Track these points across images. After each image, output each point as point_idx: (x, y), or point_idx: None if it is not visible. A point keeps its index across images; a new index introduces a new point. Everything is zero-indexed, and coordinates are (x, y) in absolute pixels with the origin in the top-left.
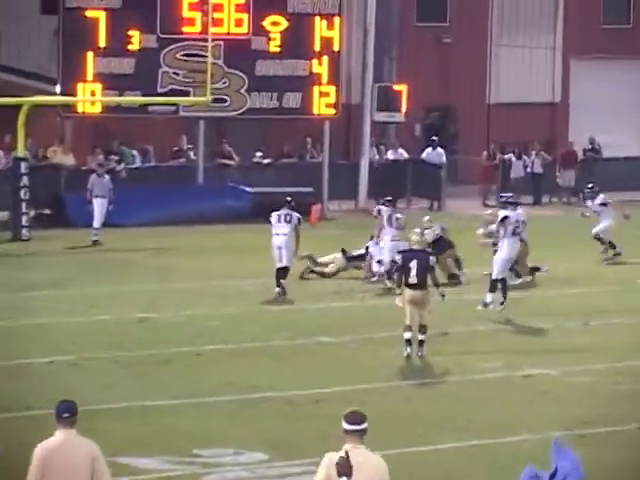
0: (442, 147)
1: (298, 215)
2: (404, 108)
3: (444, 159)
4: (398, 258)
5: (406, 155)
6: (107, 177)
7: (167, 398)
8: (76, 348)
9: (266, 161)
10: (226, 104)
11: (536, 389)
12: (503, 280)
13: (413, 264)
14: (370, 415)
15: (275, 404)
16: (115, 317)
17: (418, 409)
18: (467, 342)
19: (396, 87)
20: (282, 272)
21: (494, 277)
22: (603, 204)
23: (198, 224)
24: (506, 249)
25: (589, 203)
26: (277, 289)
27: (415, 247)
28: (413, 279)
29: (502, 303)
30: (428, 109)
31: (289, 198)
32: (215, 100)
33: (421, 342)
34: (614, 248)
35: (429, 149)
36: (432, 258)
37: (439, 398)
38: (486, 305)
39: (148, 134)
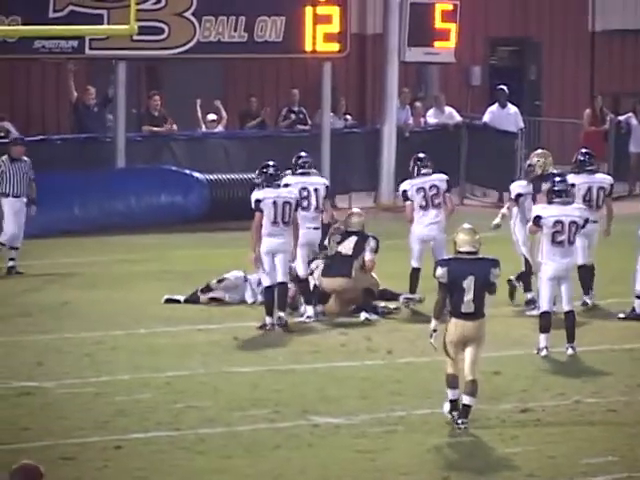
0: (516, 105)
1: None
2: (454, 41)
3: (521, 123)
4: (441, 273)
5: (458, 118)
6: (26, 161)
7: None
8: None
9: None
10: (162, 36)
11: None
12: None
13: (468, 283)
14: None
15: None
16: None
17: None
18: (558, 423)
19: (440, 6)
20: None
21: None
22: None
23: (115, 233)
24: None
25: None
26: (268, 319)
27: (466, 250)
28: (469, 306)
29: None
30: (493, 42)
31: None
32: (143, 30)
33: (466, 409)
34: None
35: (494, 107)
36: (496, 271)
37: None
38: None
39: (33, 86)
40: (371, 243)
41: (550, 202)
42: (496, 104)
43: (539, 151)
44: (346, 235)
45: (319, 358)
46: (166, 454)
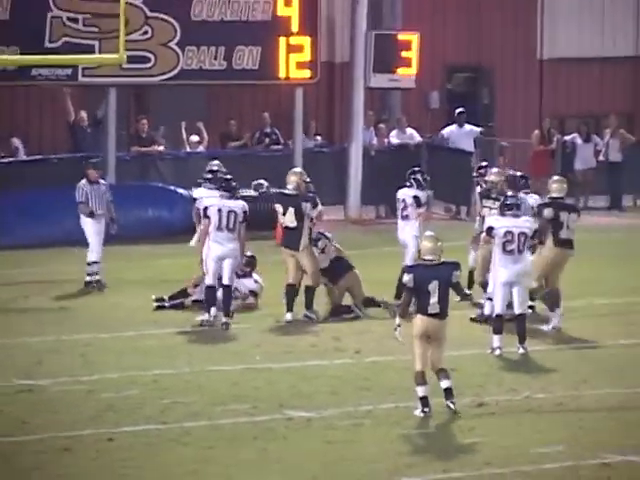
0: (473, 124)
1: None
2: (415, 68)
3: (477, 132)
4: (408, 279)
5: (419, 138)
6: (104, 183)
7: None
8: None
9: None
10: (148, 65)
11: None
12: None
13: (433, 286)
14: None
15: None
16: None
17: None
18: (514, 417)
19: (402, 36)
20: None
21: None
22: None
23: (106, 244)
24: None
25: None
26: (206, 315)
27: (430, 257)
28: (434, 307)
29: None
30: (450, 69)
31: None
32: (132, 59)
33: (448, 391)
34: None
35: (452, 127)
36: (457, 273)
37: None
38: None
39: (31, 111)
40: (308, 207)
41: (502, 215)
42: (454, 125)
43: (495, 170)
44: (282, 200)
45: (292, 358)
46: (154, 446)
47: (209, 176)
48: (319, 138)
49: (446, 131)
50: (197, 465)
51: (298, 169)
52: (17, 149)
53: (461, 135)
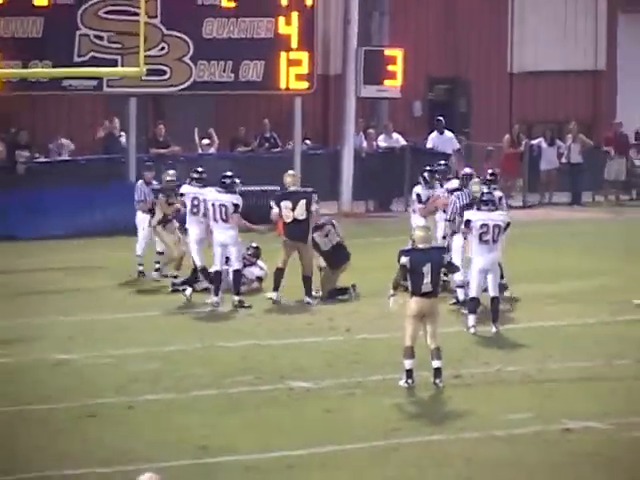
0: (451, 130)
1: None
2: (400, 80)
3: (456, 145)
4: (405, 261)
5: (403, 142)
6: (155, 184)
7: (91, 464)
8: None
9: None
10: (165, 77)
11: (579, 448)
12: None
13: (427, 268)
14: None
15: (233, 472)
16: (22, 360)
17: (424, 476)
18: (487, 388)
19: (389, 52)
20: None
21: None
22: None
23: (131, 234)
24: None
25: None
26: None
27: (422, 246)
28: (427, 287)
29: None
30: (431, 81)
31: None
32: (150, 71)
33: (438, 370)
34: None
35: (434, 134)
36: (446, 256)
37: (453, 461)
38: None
39: (61, 118)
40: (315, 198)
41: (478, 209)
42: (435, 131)
43: (476, 180)
44: (290, 197)
45: (291, 335)
46: (170, 412)
47: (195, 176)
48: (308, 142)
49: (430, 139)
50: (207, 429)
51: (292, 171)
52: (61, 146)
53: (444, 141)
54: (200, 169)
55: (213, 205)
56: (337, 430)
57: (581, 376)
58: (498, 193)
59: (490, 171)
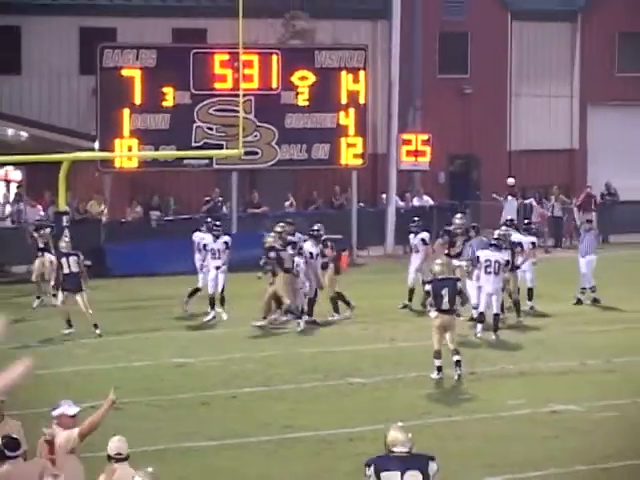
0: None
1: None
2: (428, 157)
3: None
4: (428, 287)
5: (431, 202)
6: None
7: (206, 440)
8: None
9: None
10: (258, 156)
11: (562, 425)
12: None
13: (445, 292)
14: None
15: (310, 443)
16: (153, 363)
17: (447, 446)
18: (493, 381)
19: (420, 136)
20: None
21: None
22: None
23: (233, 272)
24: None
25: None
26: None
27: (440, 276)
28: (446, 305)
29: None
30: (451, 157)
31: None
32: (247, 153)
33: (458, 362)
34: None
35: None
36: (459, 283)
37: (468, 435)
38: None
39: (182, 186)
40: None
41: (486, 248)
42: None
43: (459, 215)
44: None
45: (349, 342)
46: (262, 401)
47: (203, 228)
48: (362, 204)
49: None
50: (288, 413)
51: (439, 261)
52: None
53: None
54: (317, 227)
55: (212, 248)
56: (385, 413)
57: (563, 371)
58: (531, 238)
59: (526, 221)
